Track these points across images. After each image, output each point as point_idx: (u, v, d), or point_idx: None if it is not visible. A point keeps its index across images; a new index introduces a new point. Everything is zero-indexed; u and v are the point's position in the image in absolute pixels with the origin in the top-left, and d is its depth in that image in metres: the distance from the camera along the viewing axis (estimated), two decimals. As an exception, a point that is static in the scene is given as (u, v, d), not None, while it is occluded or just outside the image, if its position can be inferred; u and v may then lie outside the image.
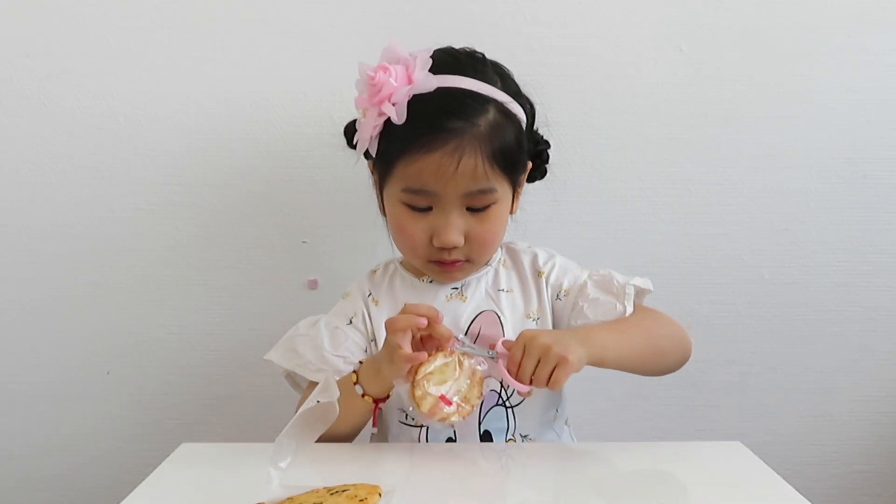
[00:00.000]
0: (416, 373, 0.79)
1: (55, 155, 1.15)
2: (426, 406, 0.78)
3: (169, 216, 1.17)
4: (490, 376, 0.84)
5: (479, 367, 0.82)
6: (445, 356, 0.80)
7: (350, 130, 0.95)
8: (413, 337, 0.80)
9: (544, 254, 0.99)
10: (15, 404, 1.22)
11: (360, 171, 1.12)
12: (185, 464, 0.82)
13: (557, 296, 0.96)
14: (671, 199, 1.18)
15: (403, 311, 0.81)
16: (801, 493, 0.71)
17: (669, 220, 1.19)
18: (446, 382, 0.79)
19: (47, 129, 1.14)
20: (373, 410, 0.85)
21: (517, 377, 0.80)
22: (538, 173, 0.98)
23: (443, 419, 0.79)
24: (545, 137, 0.97)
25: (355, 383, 0.84)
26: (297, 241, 1.18)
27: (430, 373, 0.79)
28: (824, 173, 1.18)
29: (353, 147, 0.94)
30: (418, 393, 0.78)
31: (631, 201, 1.18)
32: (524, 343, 0.80)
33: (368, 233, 1.17)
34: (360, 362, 0.87)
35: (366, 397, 0.84)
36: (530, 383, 0.79)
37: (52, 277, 1.18)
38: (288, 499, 0.68)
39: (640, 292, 0.94)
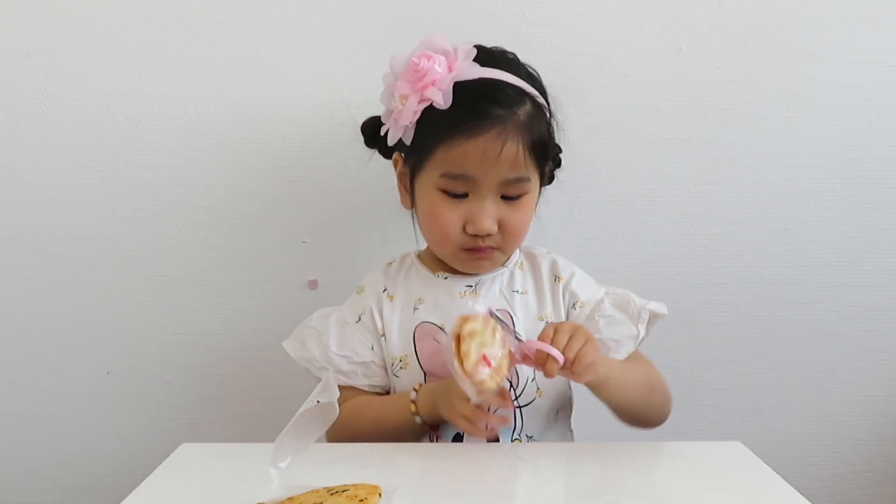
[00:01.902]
0: (461, 327, 0.77)
1: (55, 155, 1.15)
2: (469, 364, 0.75)
3: (169, 216, 1.17)
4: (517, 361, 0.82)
5: (508, 341, 0.80)
6: (485, 320, 0.79)
7: (370, 126, 0.96)
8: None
9: (564, 262, 1.00)
10: (15, 404, 1.22)
11: (361, 172, 1.13)
12: (185, 464, 0.82)
13: (574, 305, 0.96)
14: (671, 199, 1.18)
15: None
16: (801, 493, 0.71)
17: (669, 220, 1.19)
18: (485, 346, 0.77)
19: (47, 129, 1.14)
20: (426, 430, 0.89)
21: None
22: (547, 178, 0.99)
23: (479, 382, 0.76)
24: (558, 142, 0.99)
25: (415, 413, 0.87)
26: (297, 241, 1.18)
27: (474, 331, 0.77)
28: (824, 173, 1.18)
29: (371, 145, 0.96)
30: (463, 348, 0.76)
31: (631, 201, 1.18)
32: (554, 326, 0.81)
33: (368, 233, 1.17)
34: (416, 389, 0.88)
35: (418, 416, 0.87)
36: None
37: (53, 277, 1.18)
38: (288, 499, 0.68)
39: (653, 317, 0.95)
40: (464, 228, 0.89)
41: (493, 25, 1.12)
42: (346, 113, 1.13)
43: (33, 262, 1.18)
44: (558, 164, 1.00)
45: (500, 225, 0.90)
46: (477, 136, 0.85)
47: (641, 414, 0.93)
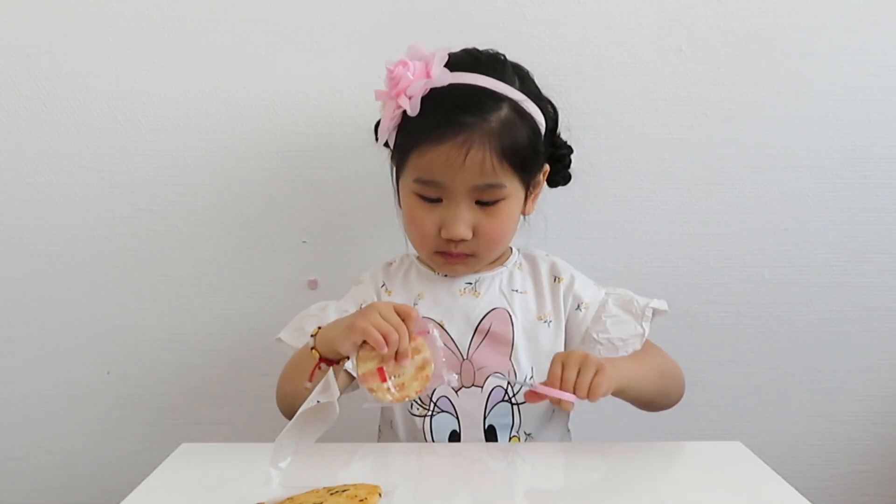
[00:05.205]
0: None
1: (55, 155, 1.15)
2: (363, 368, 0.77)
3: (169, 216, 1.17)
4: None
5: (439, 372, 0.79)
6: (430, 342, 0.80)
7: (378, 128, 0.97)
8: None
9: (563, 264, 1.01)
10: (15, 404, 1.22)
11: (361, 172, 1.13)
12: (185, 464, 0.82)
13: (577, 307, 0.96)
14: (671, 199, 1.18)
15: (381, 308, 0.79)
16: (801, 493, 0.72)
17: (669, 220, 1.19)
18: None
19: (47, 129, 1.14)
20: (316, 366, 0.83)
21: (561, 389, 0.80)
22: (560, 178, 1.00)
23: (370, 390, 0.78)
24: (568, 143, 0.99)
25: (313, 335, 0.84)
26: (297, 241, 1.18)
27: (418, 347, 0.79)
28: (824, 173, 1.18)
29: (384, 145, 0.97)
30: (361, 353, 0.78)
31: (631, 201, 1.18)
32: (561, 360, 0.82)
33: (368, 233, 1.17)
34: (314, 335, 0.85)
35: (314, 350, 0.83)
36: (573, 393, 0.79)
37: (52, 277, 1.18)
38: (288, 499, 0.68)
39: (655, 313, 0.96)
40: (440, 232, 0.90)
41: (493, 25, 1.12)
42: (346, 113, 1.13)
43: (33, 262, 1.18)
44: (567, 164, 1.00)
45: (476, 231, 0.90)
46: (443, 143, 0.85)
47: (659, 402, 0.95)
